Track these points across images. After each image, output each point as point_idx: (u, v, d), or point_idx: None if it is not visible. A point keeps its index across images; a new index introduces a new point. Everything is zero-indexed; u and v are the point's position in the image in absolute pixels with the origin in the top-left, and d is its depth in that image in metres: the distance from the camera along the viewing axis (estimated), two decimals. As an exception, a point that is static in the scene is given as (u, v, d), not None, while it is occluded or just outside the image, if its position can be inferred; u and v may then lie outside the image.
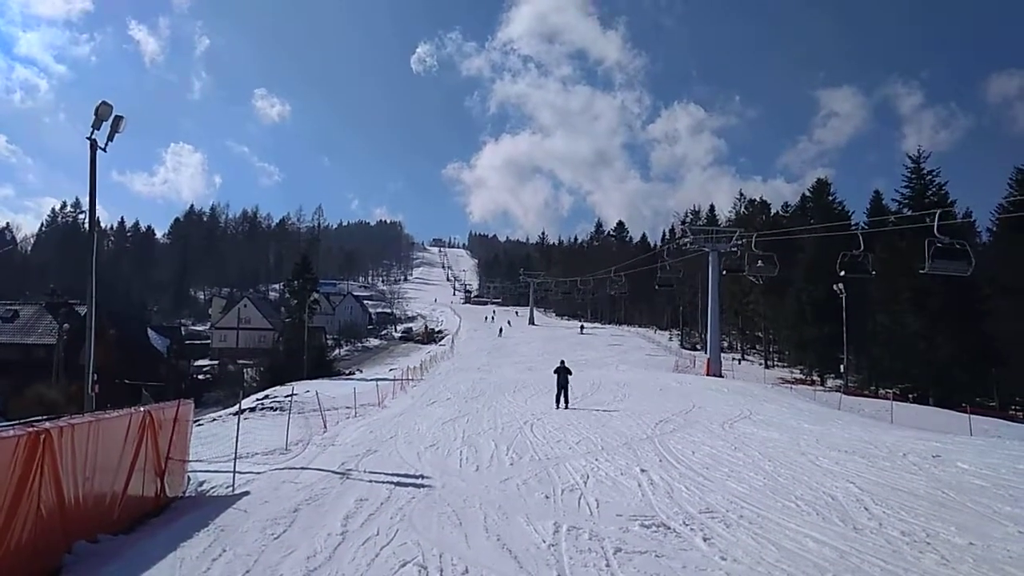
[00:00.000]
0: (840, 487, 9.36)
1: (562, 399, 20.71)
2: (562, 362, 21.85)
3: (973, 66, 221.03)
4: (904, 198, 47.79)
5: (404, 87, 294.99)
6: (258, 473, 12.04)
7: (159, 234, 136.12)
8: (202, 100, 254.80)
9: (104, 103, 13.58)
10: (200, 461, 13.03)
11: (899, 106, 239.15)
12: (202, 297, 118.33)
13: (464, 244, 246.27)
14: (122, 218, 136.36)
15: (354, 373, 49.10)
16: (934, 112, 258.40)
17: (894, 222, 43.42)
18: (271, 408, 26.22)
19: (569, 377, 21.20)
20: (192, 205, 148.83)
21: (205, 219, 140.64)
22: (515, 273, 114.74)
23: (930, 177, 47.49)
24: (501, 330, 76.73)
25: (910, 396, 40.50)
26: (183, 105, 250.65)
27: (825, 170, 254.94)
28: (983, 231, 53.69)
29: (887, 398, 32.40)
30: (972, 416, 24.38)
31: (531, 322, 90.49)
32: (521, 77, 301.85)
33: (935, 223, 24.37)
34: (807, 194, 64.73)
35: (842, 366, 46.65)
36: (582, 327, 63.63)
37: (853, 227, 47.00)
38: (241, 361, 59.60)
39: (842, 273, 28.02)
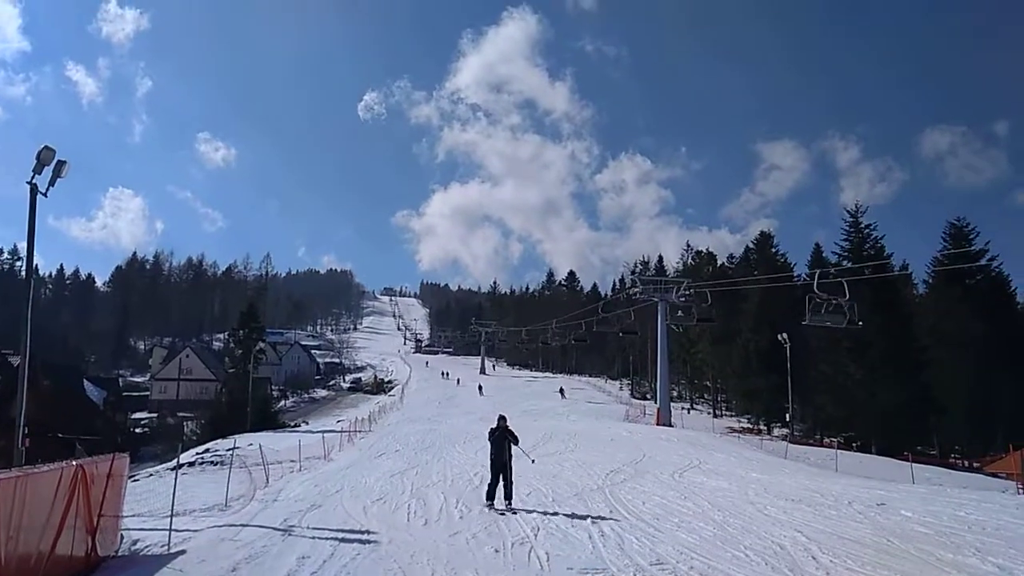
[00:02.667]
0: (788, 536, 9.43)
1: (499, 489, 12.16)
2: (501, 420, 12.79)
3: (907, 122, 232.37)
4: (843, 251, 49.50)
5: (351, 134, 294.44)
6: (196, 530, 11.55)
7: (99, 282, 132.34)
8: (143, 143, 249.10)
9: (47, 147, 13.30)
10: (135, 518, 12.46)
11: (837, 160, 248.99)
12: (143, 347, 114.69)
13: (415, 293, 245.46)
14: (61, 265, 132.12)
15: (300, 425, 47.98)
16: (871, 166, 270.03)
17: (834, 275, 44.83)
18: (211, 462, 25.31)
19: (513, 449, 12.38)
20: (135, 252, 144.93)
21: (148, 266, 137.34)
22: (466, 322, 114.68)
23: (867, 231, 49.38)
24: (459, 380, 76.38)
25: (854, 445, 41.31)
26: (123, 148, 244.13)
27: (768, 221, 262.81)
28: (920, 283, 55.81)
29: (832, 447, 32.98)
30: (914, 464, 24.94)
31: (482, 371, 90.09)
32: (470, 125, 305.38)
33: (815, 282, 26.19)
34: (751, 246, 66.62)
35: (788, 415, 47.42)
36: (561, 390, 62.81)
37: (795, 278, 48.48)
38: (181, 413, 57.80)
39: (846, 323, 26.44)
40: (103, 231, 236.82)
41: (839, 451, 29.82)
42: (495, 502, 11.92)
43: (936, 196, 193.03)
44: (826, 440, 42.73)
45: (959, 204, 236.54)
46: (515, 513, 11.29)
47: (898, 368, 43.06)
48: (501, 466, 12.18)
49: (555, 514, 11.33)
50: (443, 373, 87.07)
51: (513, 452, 12.31)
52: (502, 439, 12.37)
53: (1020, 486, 24.34)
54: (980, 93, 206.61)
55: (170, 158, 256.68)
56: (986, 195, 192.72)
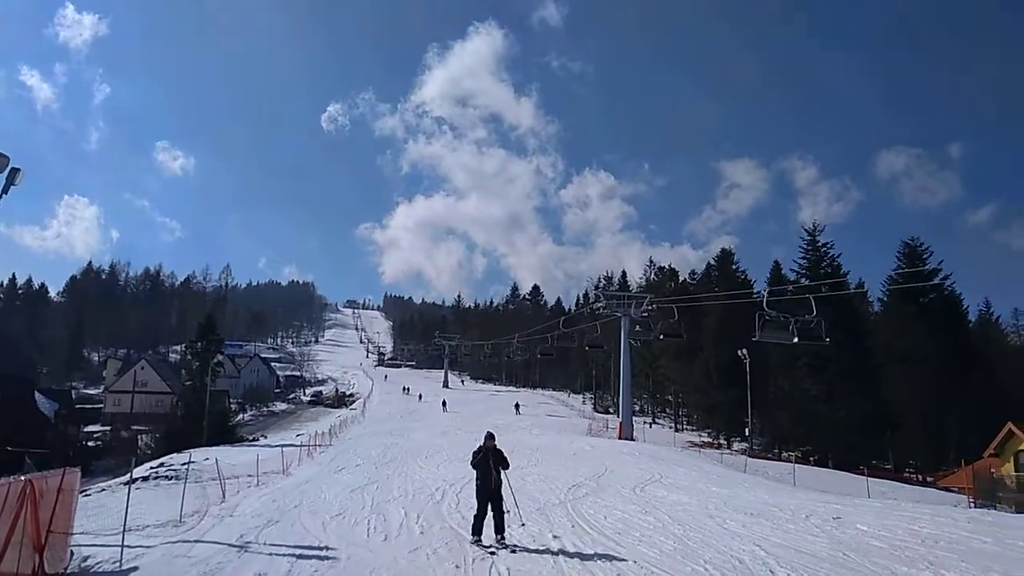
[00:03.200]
0: (747, 550, 9.51)
1: (486, 520, 10.09)
2: (488, 439, 10.46)
3: (865, 143, 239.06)
4: (802, 268, 50.54)
5: (314, 145, 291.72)
6: (149, 547, 11.25)
7: (53, 292, 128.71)
8: (100, 151, 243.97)
9: (1, 154, 12.93)
10: (86, 534, 12.08)
11: (796, 179, 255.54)
12: (97, 358, 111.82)
13: (379, 306, 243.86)
14: (13, 274, 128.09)
15: (258, 439, 47.17)
16: (828, 185, 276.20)
17: (792, 292, 45.62)
18: (166, 477, 24.74)
19: (504, 475, 10.40)
20: (90, 262, 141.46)
21: (104, 276, 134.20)
22: (430, 335, 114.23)
23: (824, 249, 50.50)
24: (421, 396, 74.47)
25: (811, 459, 42.02)
26: (79, 155, 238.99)
27: (729, 238, 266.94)
28: (875, 300, 57.15)
29: (790, 461, 33.49)
30: (869, 478, 25.41)
31: (445, 385, 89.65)
32: (435, 139, 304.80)
33: (764, 299, 26.81)
34: (712, 262, 67.70)
35: (747, 430, 48.05)
36: (517, 405, 61.43)
37: (755, 295, 49.24)
38: (136, 427, 56.22)
39: (795, 340, 26.62)
40: (57, 240, 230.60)
41: (797, 465, 30.27)
42: (482, 537, 9.98)
43: (891, 216, 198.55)
44: (784, 454, 43.39)
45: (913, 224, 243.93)
46: (509, 550, 9.53)
47: (854, 384, 43.99)
48: (489, 493, 10.03)
49: (518, 528, 11.27)
50: (404, 388, 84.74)
51: (502, 479, 10.21)
52: (488, 461, 10.18)
53: (972, 500, 24.96)
54: (936, 116, 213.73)
55: (127, 166, 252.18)
56: (939, 216, 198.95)
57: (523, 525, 11.02)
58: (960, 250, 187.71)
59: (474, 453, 10.45)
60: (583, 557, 9.24)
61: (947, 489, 31.47)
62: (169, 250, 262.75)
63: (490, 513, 9.98)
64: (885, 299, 52.42)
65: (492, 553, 9.37)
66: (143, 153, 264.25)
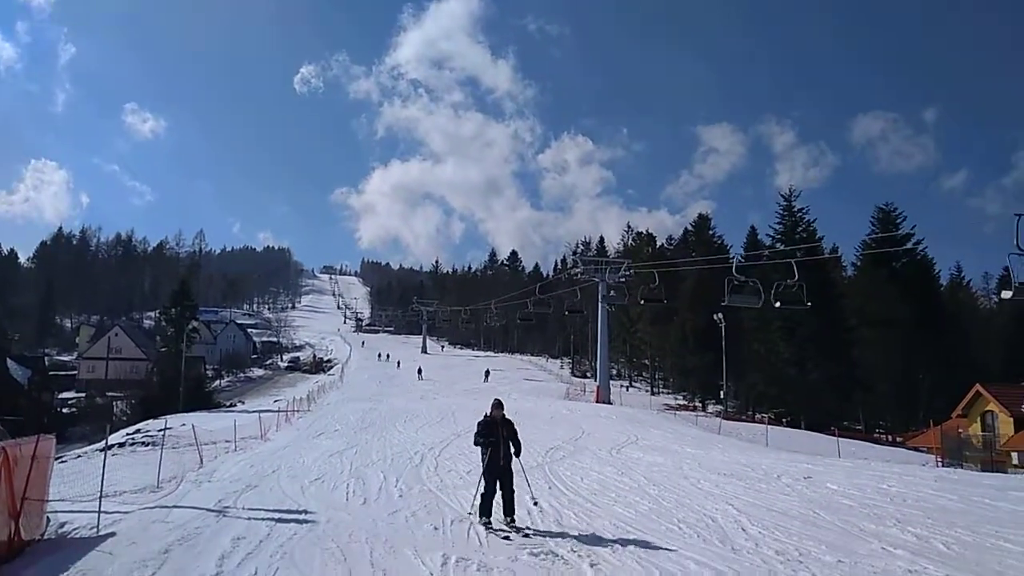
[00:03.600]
0: (720, 509, 9.72)
1: (495, 498, 9.03)
2: (496, 408, 9.37)
3: (841, 107, 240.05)
4: (777, 233, 50.88)
5: (287, 107, 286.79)
6: (126, 513, 11.21)
7: (23, 258, 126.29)
8: (67, 113, 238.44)
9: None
10: (62, 501, 12.01)
11: (773, 144, 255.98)
12: (69, 325, 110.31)
13: (356, 271, 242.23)
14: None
15: (235, 405, 47.05)
16: (805, 150, 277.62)
17: (768, 256, 45.99)
18: (143, 443, 24.66)
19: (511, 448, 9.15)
20: (60, 227, 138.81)
21: (74, 242, 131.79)
22: (408, 301, 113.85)
23: (800, 214, 50.84)
24: (399, 363, 73.01)
25: (784, 420, 42.78)
26: (45, 118, 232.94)
27: (706, 203, 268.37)
28: (848, 266, 57.83)
29: (763, 422, 34.06)
30: (840, 439, 25.96)
31: (423, 351, 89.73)
32: (411, 102, 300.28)
33: (734, 265, 26.87)
34: (689, 228, 68.04)
35: (722, 392, 48.75)
36: (487, 372, 60.24)
37: (730, 260, 49.44)
38: (111, 393, 55.72)
39: (777, 304, 26.54)
40: (25, 204, 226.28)
41: (770, 426, 30.82)
42: (491, 519, 8.86)
43: (867, 181, 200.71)
44: (758, 416, 44.12)
45: (889, 189, 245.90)
46: (523, 535, 8.48)
47: (827, 347, 44.70)
48: (500, 471, 8.87)
49: (529, 504, 11.39)
50: (380, 355, 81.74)
51: (511, 449, 9.03)
52: (498, 432, 8.90)
53: (939, 460, 25.64)
54: (913, 80, 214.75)
55: (95, 129, 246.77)
56: (914, 181, 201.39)
57: (536, 504, 9.77)
58: (934, 215, 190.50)
59: (479, 425, 9.06)
60: (559, 517, 9.39)
61: (916, 449, 32.25)
62: (141, 215, 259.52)
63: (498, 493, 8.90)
64: (859, 264, 53.11)
65: (506, 539, 8.28)
66: (112, 115, 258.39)
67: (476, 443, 9.16)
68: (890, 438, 41.61)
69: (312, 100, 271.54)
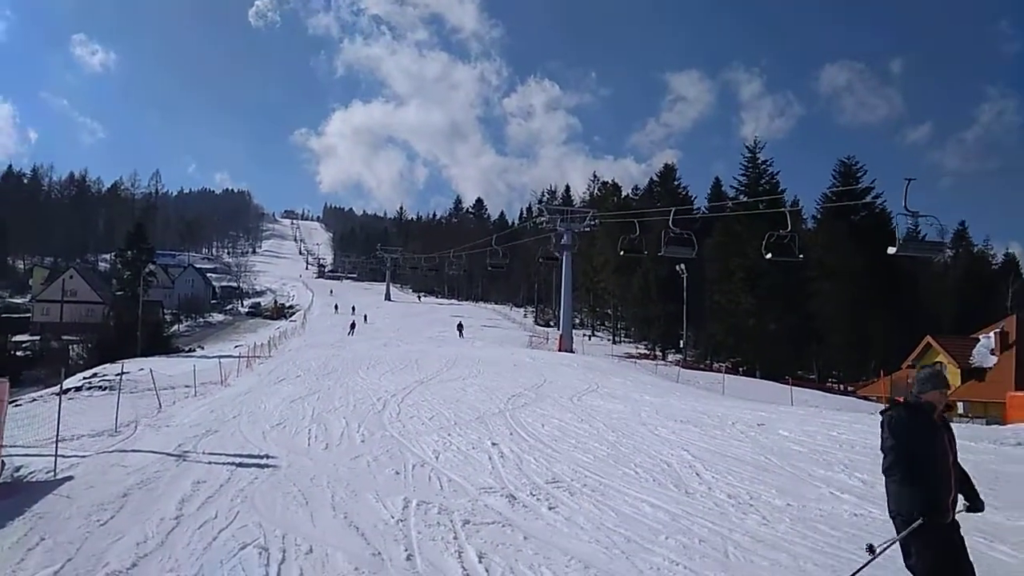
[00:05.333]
0: (675, 455, 9.97)
1: None
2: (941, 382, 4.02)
3: (809, 56, 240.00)
4: (741, 185, 51.31)
5: (242, 42, 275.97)
6: (83, 457, 11.10)
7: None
8: (9, 43, 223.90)
9: None
10: (17, 446, 11.83)
11: (740, 92, 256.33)
12: (22, 266, 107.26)
13: (318, 217, 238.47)
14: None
15: (195, 350, 46.59)
16: (772, 100, 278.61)
17: (731, 208, 46.53)
18: (99, 387, 24.37)
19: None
20: (10, 165, 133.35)
21: (25, 181, 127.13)
22: (372, 248, 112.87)
23: (764, 166, 51.25)
24: (366, 317, 60.70)
25: (740, 369, 43.85)
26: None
27: (672, 152, 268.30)
28: (809, 218, 58.65)
29: (720, 371, 34.83)
30: (794, 388, 26.66)
31: (387, 298, 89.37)
32: (373, 40, 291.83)
33: (670, 218, 28.14)
34: (655, 178, 68.15)
35: (682, 341, 49.64)
36: (460, 326, 54.40)
37: (695, 211, 49.90)
38: (66, 337, 54.67)
39: (768, 255, 26.63)
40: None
41: (727, 375, 31.52)
42: None
43: (831, 132, 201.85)
44: (716, 365, 45.11)
45: (853, 140, 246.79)
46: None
47: (785, 299, 45.63)
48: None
49: (457, 437, 11.53)
50: (336, 307, 72.57)
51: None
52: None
53: (888, 408, 26.47)
54: (881, 30, 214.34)
55: (41, 61, 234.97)
56: (878, 133, 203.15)
57: None
58: (895, 168, 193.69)
59: (893, 423, 3.91)
60: (520, 462, 9.54)
61: (866, 398, 33.29)
62: (94, 154, 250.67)
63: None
64: (819, 216, 53.90)
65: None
66: (59, 47, 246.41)
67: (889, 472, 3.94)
68: (842, 387, 42.92)
69: (268, 35, 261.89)
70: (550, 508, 7.23)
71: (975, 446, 10.87)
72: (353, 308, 65.39)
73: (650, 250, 54.68)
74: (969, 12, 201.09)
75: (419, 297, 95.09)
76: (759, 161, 51.45)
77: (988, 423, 20.04)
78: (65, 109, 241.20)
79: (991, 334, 31.51)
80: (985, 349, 31.30)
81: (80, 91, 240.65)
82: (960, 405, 28.20)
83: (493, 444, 10.81)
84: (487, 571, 5.52)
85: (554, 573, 5.47)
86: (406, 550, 5.99)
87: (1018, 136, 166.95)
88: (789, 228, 25.22)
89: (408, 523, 6.74)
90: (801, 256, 26.15)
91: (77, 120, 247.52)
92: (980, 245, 74.18)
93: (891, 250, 21.56)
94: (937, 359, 32.06)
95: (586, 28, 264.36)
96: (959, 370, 30.60)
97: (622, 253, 42.88)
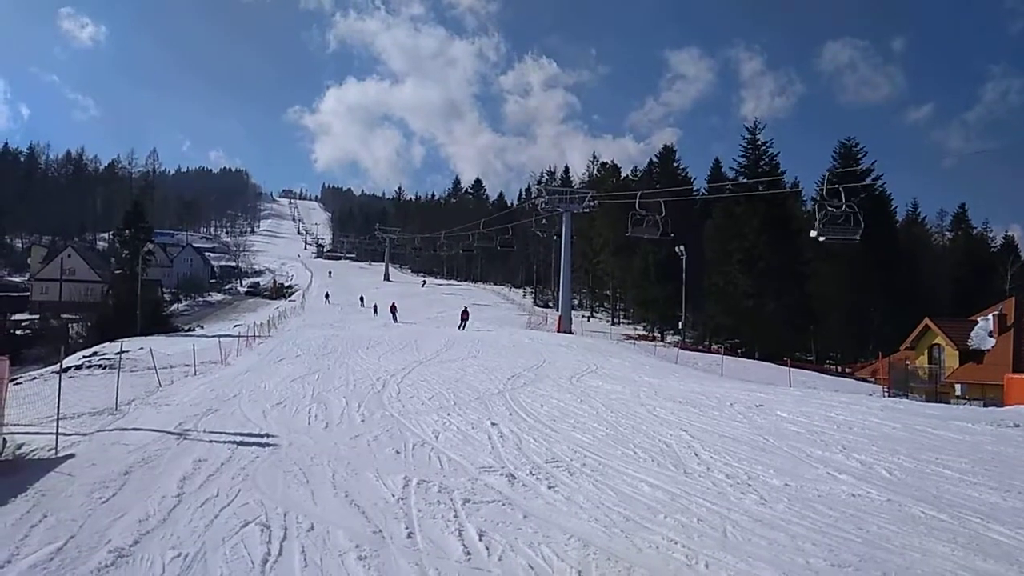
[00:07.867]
0: (674, 435, 10.02)
1: None
2: None
3: (811, 32, 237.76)
4: (740, 167, 51.12)
5: (230, 15, 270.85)
6: (85, 435, 11.14)
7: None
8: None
9: None
10: (18, 425, 11.87)
11: (740, 70, 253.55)
12: (20, 245, 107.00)
13: (316, 196, 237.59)
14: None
15: (194, 329, 46.52)
16: (773, 77, 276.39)
17: (731, 189, 46.40)
18: (100, 366, 24.34)
19: None
20: (6, 143, 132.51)
21: (22, 159, 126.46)
22: (370, 228, 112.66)
23: (764, 148, 51.03)
24: (376, 308, 54.95)
25: (739, 351, 43.91)
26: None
27: (672, 131, 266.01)
28: (808, 200, 58.48)
29: (719, 352, 34.93)
30: (792, 369, 26.81)
31: (386, 278, 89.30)
32: (367, 13, 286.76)
33: (636, 201, 29.74)
34: (654, 159, 67.87)
35: (680, 323, 49.69)
36: (424, 283, 54.49)
37: (695, 192, 49.88)
38: (65, 315, 54.67)
39: (820, 237, 25.74)
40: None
41: (725, 356, 31.63)
42: None
43: (832, 111, 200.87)
44: (714, 346, 45.22)
45: (854, 120, 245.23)
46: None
47: (783, 280, 45.62)
48: None
49: (457, 417, 11.57)
50: (328, 296, 66.88)
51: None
52: None
53: (886, 390, 26.65)
54: (885, 7, 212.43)
55: (29, 35, 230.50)
56: (879, 112, 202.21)
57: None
58: (896, 148, 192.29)
59: None
60: (519, 442, 9.58)
61: (864, 380, 33.42)
62: (90, 133, 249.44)
63: None
64: (817, 198, 53.61)
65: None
66: (45, 20, 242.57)
67: None
68: (840, 369, 43.07)
69: (259, 7, 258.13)
70: (550, 487, 7.27)
71: (973, 427, 10.93)
72: (376, 307, 54.49)
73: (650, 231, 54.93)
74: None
75: (423, 283, 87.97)
76: (759, 143, 51.22)
77: (986, 405, 20.09)
78: (56, 85, 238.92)
79: (989, 316, 31.48)
80: (983, 331, 31.29)
81: (70, 66, 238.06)
82: (958, 387, 28.30)
83: (493, 424, 10.85)
84: (487, 548, 5.57)
85: (554, 551, 5.51)
86: (407, 528, 6.03)
87: (1021, 116, 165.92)
88: (843, 203, 23.82)
89: (408, 501, 6.78)
90: (822, 239, 25.90)
91: (69, 96, 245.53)
92: (979, 227, 74.15)
93: (812, 234, 23.92)
94: (935, 341, 32.11)
95: (584, 2, 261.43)
96: (957, 352, 30.64)
97: (646, 237, 42.80)
